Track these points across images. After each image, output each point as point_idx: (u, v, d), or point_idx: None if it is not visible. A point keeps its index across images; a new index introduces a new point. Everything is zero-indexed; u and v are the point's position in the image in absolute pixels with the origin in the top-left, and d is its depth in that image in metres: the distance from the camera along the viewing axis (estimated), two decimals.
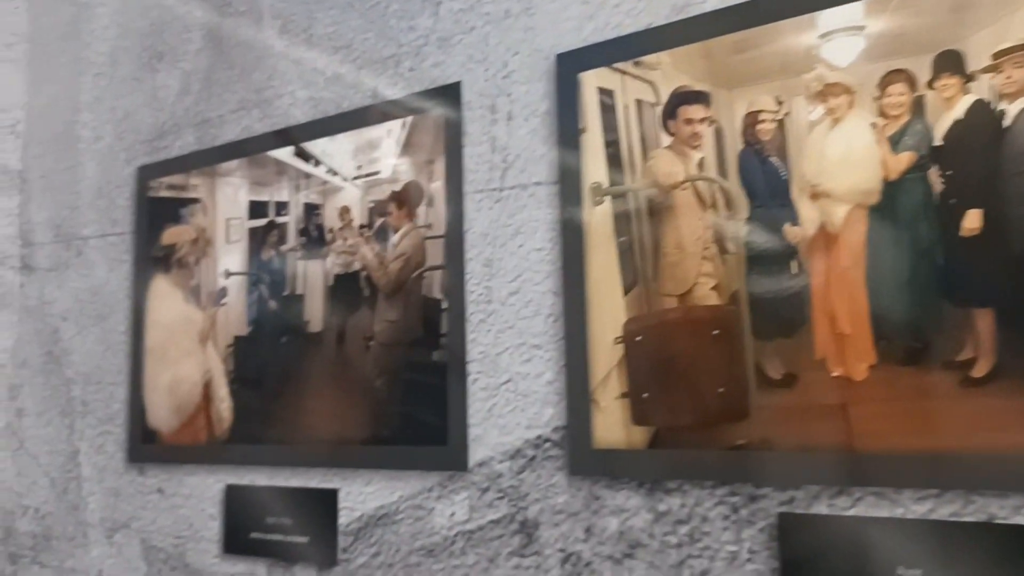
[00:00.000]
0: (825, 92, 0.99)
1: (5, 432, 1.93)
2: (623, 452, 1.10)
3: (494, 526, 1.20)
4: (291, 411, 1.45)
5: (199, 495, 1.56)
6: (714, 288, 1.05)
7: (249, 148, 1.57)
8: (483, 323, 1.25)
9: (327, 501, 1.38)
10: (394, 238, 1.37)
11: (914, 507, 0.90)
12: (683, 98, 1.10)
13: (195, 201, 1.65)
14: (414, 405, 1.31)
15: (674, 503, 1.05)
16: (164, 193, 1.71)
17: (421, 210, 1.34)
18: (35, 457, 1.87)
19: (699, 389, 1.05)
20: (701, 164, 1.08)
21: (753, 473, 1.00)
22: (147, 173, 1.74)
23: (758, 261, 1.02)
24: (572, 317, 1.15)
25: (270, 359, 1.50)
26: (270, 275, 1.52)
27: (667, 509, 1.06)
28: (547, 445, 1.17)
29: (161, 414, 1.63)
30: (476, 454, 1.23)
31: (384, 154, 1.39)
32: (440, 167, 1.32)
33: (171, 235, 1.68)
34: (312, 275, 1.47)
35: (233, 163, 1.59)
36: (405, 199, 1.36)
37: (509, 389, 1.21)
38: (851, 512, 0.93)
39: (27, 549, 1.85)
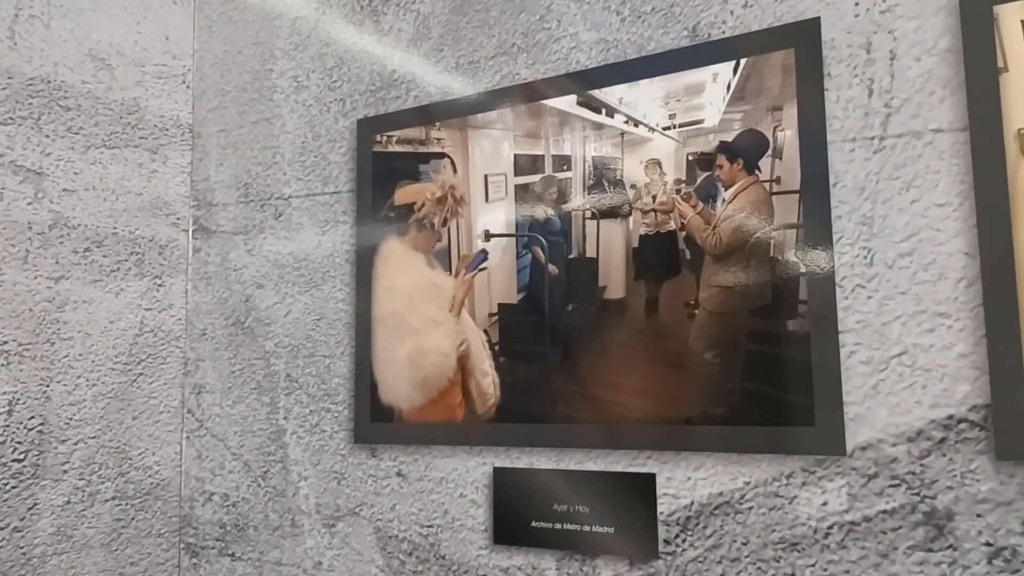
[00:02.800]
0: None
1: (178, 412, 1.76)
2: None
3: (887, 517, 1.06)
4: (583, 386, 1.30)
5: (456, 479, 1.41)
6: None
7: (516, 97, 1.41)
8: (861, 288, 1.10)
9: (642, 486, 1.23)
10: (726, 194, 1.22)
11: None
12: None
13: (440, 156, 1.49)
14: (760, 381, 1.16)
15: None
16: (394, 148, 1.55)
17: (764, 163, 1.19)
18: (221, 439, 1.70)
19: None
20: None
21: None
22: (370, 126, 1.58)
23: None
24: (994, 281, 1.02)
25: (551, 329, 1.35)
26: (549, 237, 1.37)
27: None
28: (962, 426, 1.03)
29: (400, 390, 1.47)
30: (857, 436, 1.09)
31: (708, 101, 1.25)
32: (791, 114, 1.17)
33: (407, 194, 1.52)
34: (608, 236, 1.32)
35: (492, 114, 1.44)
36: (741, 150, 1.21)
37: (903, 363, 1.07)
38: None
39: (213, 540, 1.68)
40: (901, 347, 1.07)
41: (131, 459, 1.68)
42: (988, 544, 1.00)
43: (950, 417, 1.03)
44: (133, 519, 1.67)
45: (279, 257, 1.68)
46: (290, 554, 1.58)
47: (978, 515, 1.01)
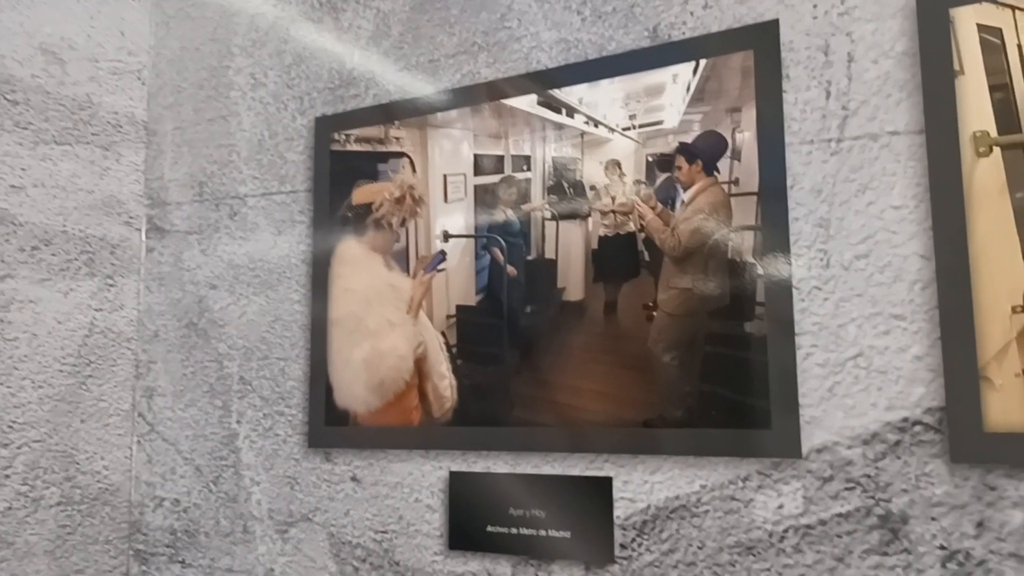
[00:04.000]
0: None
1: (128, 415, 1.72)
2: None
3: (842, 520, 1.05)
4: (542, 389, 1.28)
5: (412, 484, 1.38)
6: None
7: (476, 96, 1.39)
8: (817, 290, 1.10)
9: (598, 490, 1.22)
10: (685, 195, 1.21)
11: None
12: None
13: (399, 155, 1.47)
14: (718, 383, 1.15)
15: None
16: (353, 147, 1.52)
17: (723, 164, 1.19)
18: (173, 443, 1.66)
19: None
20: None
21: None
22: (328, 124, 1.55)
23: None
24: (949, 283, 1.02)
25: (509, 331, 1.33)
26: (508, 238, 1.35)
27: None
28: (916, 428, 1.03)
29: (355, 393, 1.44)
30: (813, 439, 1.08)
31: (668, 102, 1.24)
32: (749, 116, 1.17)
33: (365, 193, 1.49)
34: (568, 237, 1.30)
35: (452, 113, 1.42)
36: (700, 152, 1.20)
37: (859, 365, 1.07)
38: None
39: (163, 547, 1.64)
40: (857, 349, 1.07)
41: (78, 463, 1.63)
42: (942, 548, 0.99)
43: (905, 420, 1.03)
44: (80, 525, 1.62)
45: (234, 257, 1.64)
46: (242, 561, 1.54)
47: (932, 518, 1.00)
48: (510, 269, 1.34)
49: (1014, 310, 0.98)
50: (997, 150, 1.01)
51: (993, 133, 1.02)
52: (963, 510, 0.99)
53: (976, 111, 1.03)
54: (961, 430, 0.99)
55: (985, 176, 1.01)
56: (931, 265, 1.04)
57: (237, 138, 1.68)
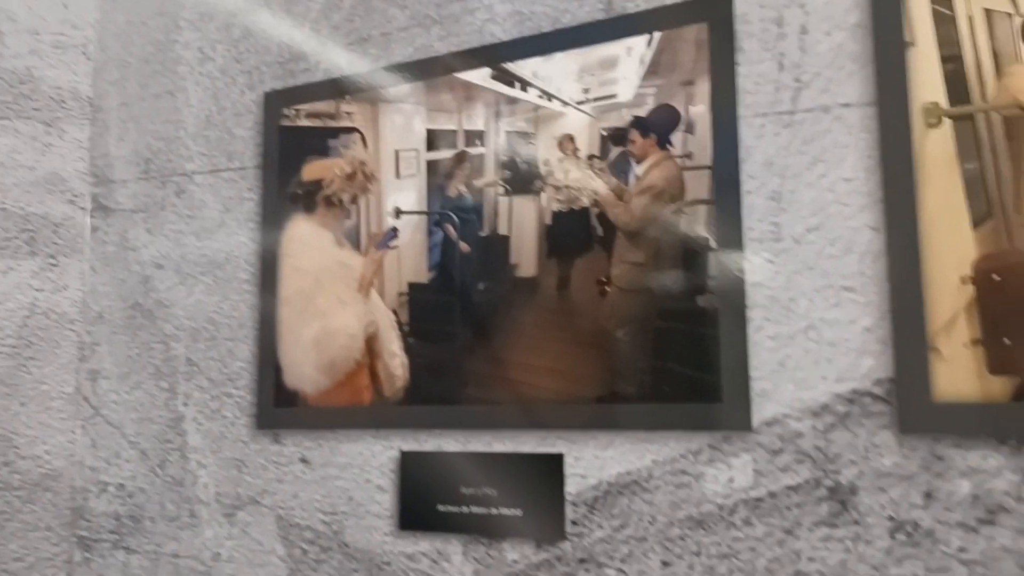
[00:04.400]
0: None
1: (73, 398, 1.67)
2: (978, 406, 0.96)
3: (792, 493, 1.05)
4: (494, 367, 1.26)
5: (362, 464, 1.35)
6: None
7: (429, 70, 1.37)
8: (769, 264, 1.09)
9: (549, 467, 1.20)
10: (638, 169, 1.20)
11: None
12: None
13: (350, 131, 1.44)
14: (670, 358, 1.14)
15: None
16: (303, 122, 1.49)
17: (676, 138, 1.18)
18: (118, 427, 1.62)
19: None
20: None
21: None
22: (278, 100, 1.52)
23: None
24: (900, 255, 1.02)
25: (462, 308, 1.30)
26: (460, 214, 1.33)
27: None
28: (866, 400, 1.02)
29: (305, 373, 1.41)
30: (763, 411, 1.08)
31: (622, 75, 1.22)
32: (703, 89, 1.16)
33: (315, 169, 1.46)
34: (521, 213, 1.29)
35: (405, 87, 1.39)
36: (654, 125, 1.19)
37: (809, 338, 1.06)
38: None
39: (107, 532, 1.59)
40: (808, 322, 1.06)
41: (18, 448, 1.57)
42: (891, 518, 0.99)
43: (855, 391, 1.03)
44: (19, 511, 1.56)
45: (181, 236, 1.60)
46: (188, 546, 1.50)
47: (881, 489, 1.00)
48: (463, 245, 1.32)
49: (963, 281, 0.98)
50: (947, 121, 1.01)
51: (944, 104, 1.01)
52: (911, 481, 0.99)
53: (927, 82, 1.03)
54: (910, 401, 0.99)
55: (935, 147, 1.01)
56: (881, 237, 1.03)
57: (184, 114, 1.63)
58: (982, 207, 0.99)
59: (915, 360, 1.00)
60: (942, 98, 1.02)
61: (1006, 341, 0.96)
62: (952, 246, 0.99)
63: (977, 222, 0.99)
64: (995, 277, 0.97)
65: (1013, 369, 0.96)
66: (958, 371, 0.98)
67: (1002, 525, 0.94)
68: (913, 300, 1.00)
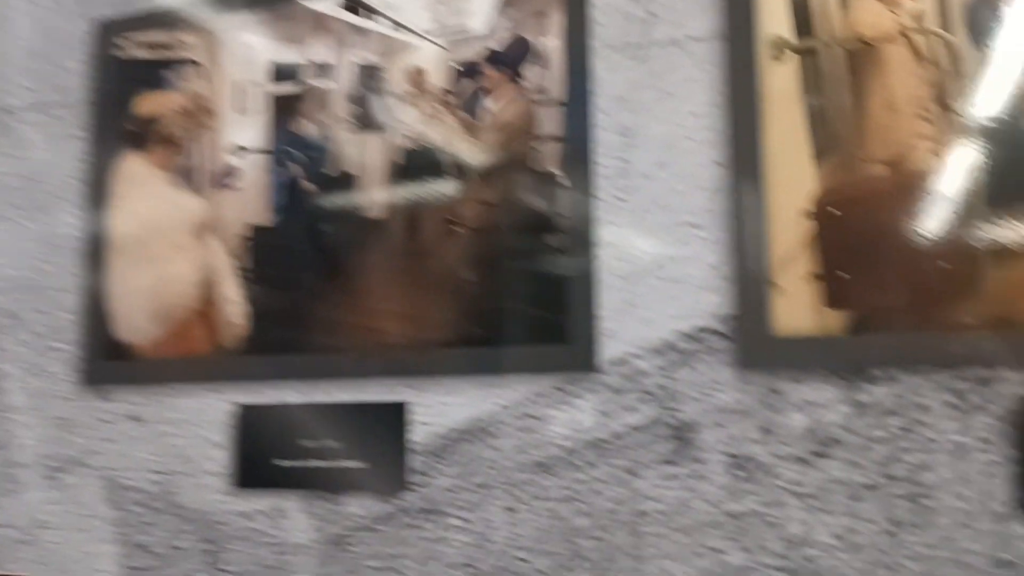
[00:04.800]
0: None
1: None
2: (815, 340, 0.96)
3: (635, 432, 1.03)
4: (339, 313, 1.19)
5: (197, 420, 1.26)
6: (933, 152, 0.94)
7: None
8: (619, 201, 1.07)
9: (392, 416, 1.14)
10: (491, 105, 1.15)
11: None
12: None
13: (187, 63, 1.34)
14: (519, 300, 1.10)
15: (881, 393, 0.93)
16: (138, 53, 1.37)
17: (529, 72, 1.13)
18: None
19: (914, 265, 0.93)
20: (918, 16, 0.96)
21: (985, 354, 0.90)
22: (110, 29, 1.40)
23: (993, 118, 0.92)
24: (744, 190, 1.01)
25: (306, 252, 1.23)
26: (306, 152, 1.25)
27: (872, 400, 0.93)
28: (709, 336, 1.01)
29: (137, 323, 1.31)
30: (609, 351, 1.05)
31: (477, 7, 1.17)
32: (556, 21, 1.12)
33: (149, 104, 1.35)
34: (370, 151, 1.22)
35: (247, 16, 1.30)
36: (507, 59, 1.15)
37: (656, 275, 1.04)
38: None
39: None
40: (654, 259, 1.04)
41: None
42: (730, 454, 0.98)
43: (697, 328, 1.01)
44: None
45: (2, 177, 1.46)
46: (7, 513, 1.37)
47: (721, 425, 0.99)
48: (308, 185, 1.24)
49: (803, 215, 0.98)
50: (792, 55, 1.00)
51: (789, 38, 1.01)
52: (749, 416, 0.98)
53: (774, 16, 1.02)
54: (749, 336, 0.98)
55: (780, 82, 1.01)
56: (728, 172, 1.02)
57: (8, 45, 1.49)
58: (822, 142, 0.99)
59: (756, 296, 0.99)
60: (788, 31, 1.01)
61: (843, 275, 0.96)
62: (794, 181, 0.99)
63: (819, 157, 0.98)
64: (834, 211, 0.97)
65: (849, 303, 0.96)
66: (797, 306, 0.97)
67: (834, 457, 0.94)
68: (756, 235, 0.99)
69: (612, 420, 1.04)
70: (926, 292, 0.92)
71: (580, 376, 1.06)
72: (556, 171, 1.10)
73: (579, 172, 1.08)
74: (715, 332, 1.01)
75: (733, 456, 0.98)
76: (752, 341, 0.98)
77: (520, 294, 1.10)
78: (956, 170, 0.92)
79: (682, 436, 1.01)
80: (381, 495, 1.14)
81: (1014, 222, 0.89)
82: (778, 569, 0.94)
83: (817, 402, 0.95)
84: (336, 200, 1.22)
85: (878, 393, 0.93)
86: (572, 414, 1.06)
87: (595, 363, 1.05)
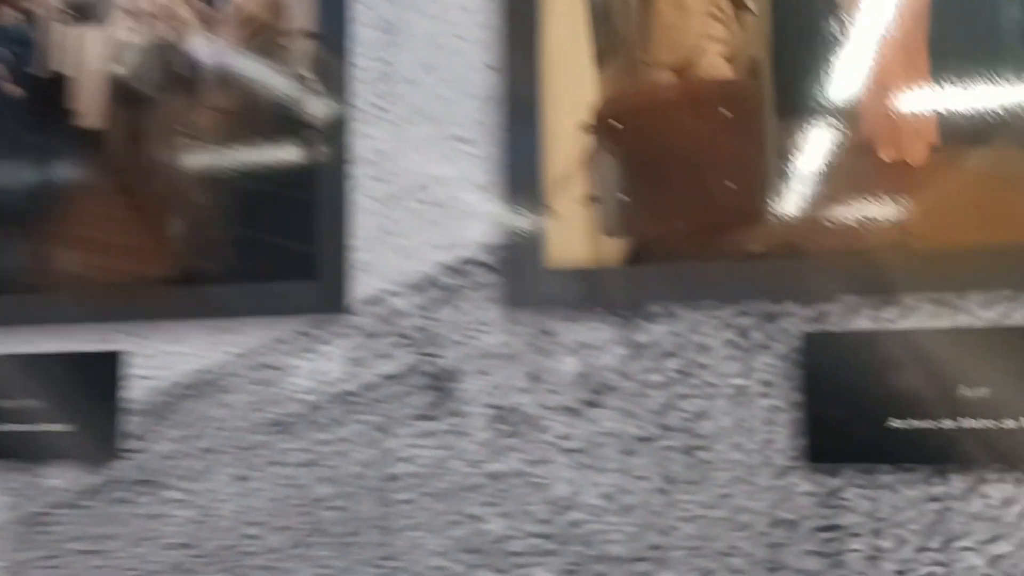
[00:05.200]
0: None
1: None
2: (590, 272, 0.83)
3: (389, 383, 0.87)
4: (44, 245, 0.97)
5: None
6: (726, 56, 0.82)
7: None
8: (379, 109, 0.90)
9: (104, 369, 0.94)
10: None
11: (981, 313, 0.74)
12: None
13: None
14: (260, 228, 0.92)
15: (660, 332, 0.81)
16: None
17: None
18: None
19: (701, 186, 0.81)
20: None
21: (771, 287, 0.79)
22: None
23: (789, 20, 0.81)
24: (518, 99, 0.86)
25: (7, 169, 1.00)
26: (10, 47, 1.02)
27: (649, 340, 0.81)
28: (475, 270, 0.86)
29: None
30: (362, 289, 0.88)
31: None
32: None
33: None
34: (88, 48, 1.00)
35: None
36: None
37: (418, 199, 0.88)
38: (902, 325, 0.76)
39: None
40: (416, 179, 0.88)
41: None
42: (493, 406, 0.84)
43: (462, 260, 0.86)
44: None
45: None
46: None
47: (484, 373, 0.84)
48: (11, 88, 1.01)
49: (582, 128, 0.84)
50: None
51: None
52: (516, 361, 0.84)
53: None
54: (520, 269, 0.84)
55: None
56: (501, 78, 0.87)
57: None
58: (605, 43, 0.85)
59: (527, 222, 0.84)
60: None
61: (623, 197, 0.83)
62: (574, 88, 0.85)
63: (600, 61, 0.85)
64: (616, 124, 0.84)
65: (630, 228, 0.83)
66: (572, 234, 0.84)
67: (607, 407, 0.81)
68: (529, 151, 0.85)
69: (363, 369, 0.87)
70: (711, 216, 0.80)
71: (328, 318, 0.89)
72: (307, 73, 0.92)
73: (333, 75, 0.91)
74: (482, 264, 0.86)
75: (497, 408, 0.83)
76: (522, 275, 0.84)
77: (258, 221, 0.92)
78: (749, 77, 0.81)
79: (441, 386, 0.85)
80: (88, 464, 0.93)
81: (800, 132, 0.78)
82: (540, 536, 0.81)
83: (591, 343, 0.82)
84: (44, 106, 1.00)
85: (656, 332, 0.81)
86: (317, 363, 0.89)
87: (345, 303, 0.88)
